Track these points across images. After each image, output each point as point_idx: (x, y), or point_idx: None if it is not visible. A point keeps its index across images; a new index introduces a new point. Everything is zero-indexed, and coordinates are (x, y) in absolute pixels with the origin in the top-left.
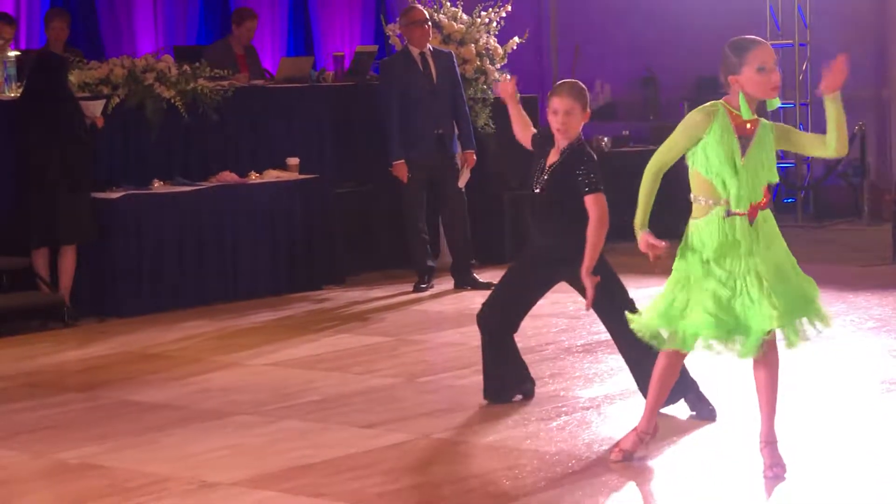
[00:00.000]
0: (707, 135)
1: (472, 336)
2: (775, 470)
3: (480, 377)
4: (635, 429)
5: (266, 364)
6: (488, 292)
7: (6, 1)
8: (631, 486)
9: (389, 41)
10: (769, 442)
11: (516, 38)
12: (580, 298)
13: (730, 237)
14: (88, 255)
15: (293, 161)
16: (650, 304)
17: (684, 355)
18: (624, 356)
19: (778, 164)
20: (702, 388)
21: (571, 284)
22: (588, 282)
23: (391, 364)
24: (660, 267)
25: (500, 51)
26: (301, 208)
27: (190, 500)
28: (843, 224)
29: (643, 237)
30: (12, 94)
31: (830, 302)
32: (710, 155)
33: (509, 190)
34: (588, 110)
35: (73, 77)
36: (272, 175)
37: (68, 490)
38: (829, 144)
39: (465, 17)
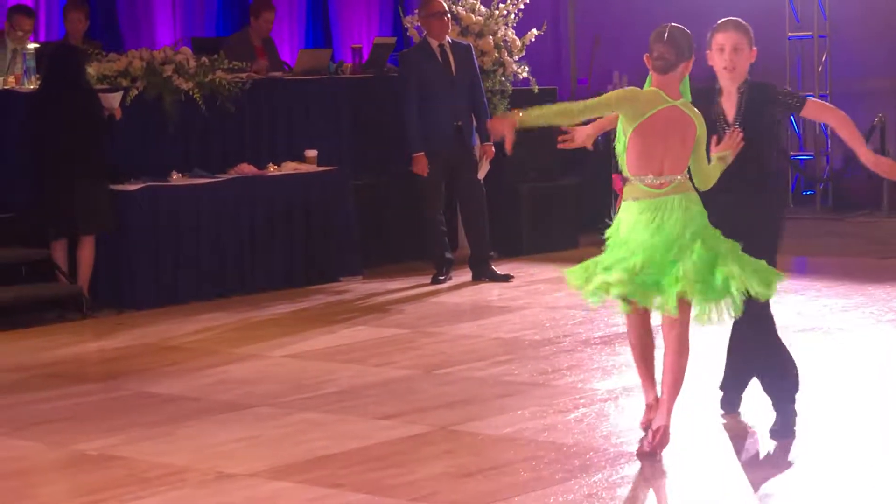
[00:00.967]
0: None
1: (489, 328)
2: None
3: (498, 369)
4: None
5: (284, 356)
6: (506, 284)
7: None
8: (649, 479)
9: (408, 33)
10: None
11: (534, 30)
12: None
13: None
14: (107, 246)
15: (311, 153)
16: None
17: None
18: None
19: (796, 156)
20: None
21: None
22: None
23: (408, 356)
24: None
25: (519, 43)
26: (319, 200)
27: (207, 491)
28: (862, 216)
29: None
30: (31, 86)
31: (849, 294)
32: None
33: (528, 182)
34: (755, 49)
35: (92, 69)
36: (290, 167)
37: (86, 480)
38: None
39: (483, 8)
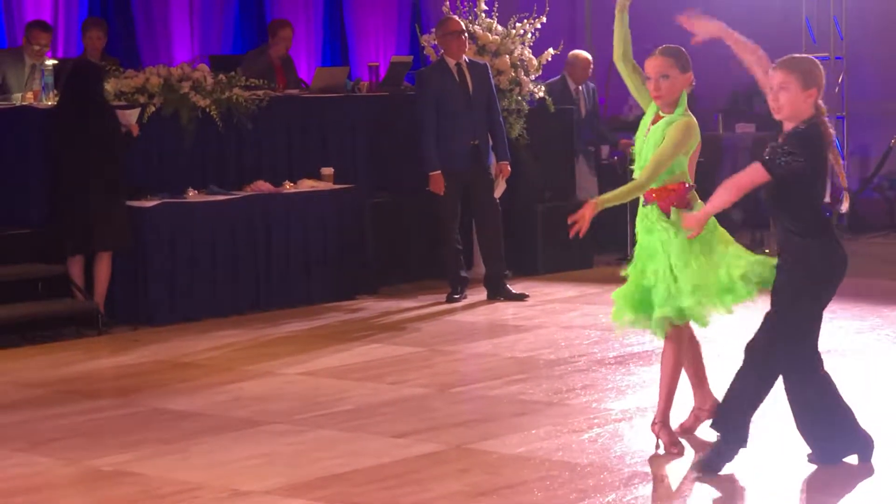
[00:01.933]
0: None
1: (504, 347)
2: (675, 448)
3: (512, 388)
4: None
5: (299, 373)
6: (521, 303)
7: (44, 9)
8: (663, 500)
9: (424, 52)
10: (664, 422)
11: (551, 50)
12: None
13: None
14: (123, 262)
15: (327, 171)
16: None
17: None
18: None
19: None
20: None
21: None
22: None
23: (423, 374)
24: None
25: (535, 62)
26: (335, 218)
27: None
28: (878, 237)
29: None
30: (49, 102)
31: (864, 316)
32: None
33: (543, 201)
34: (813, 89)
35: (110, 86)
36: (306, 185)
37: (101, 497)
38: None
39: (500, 28)
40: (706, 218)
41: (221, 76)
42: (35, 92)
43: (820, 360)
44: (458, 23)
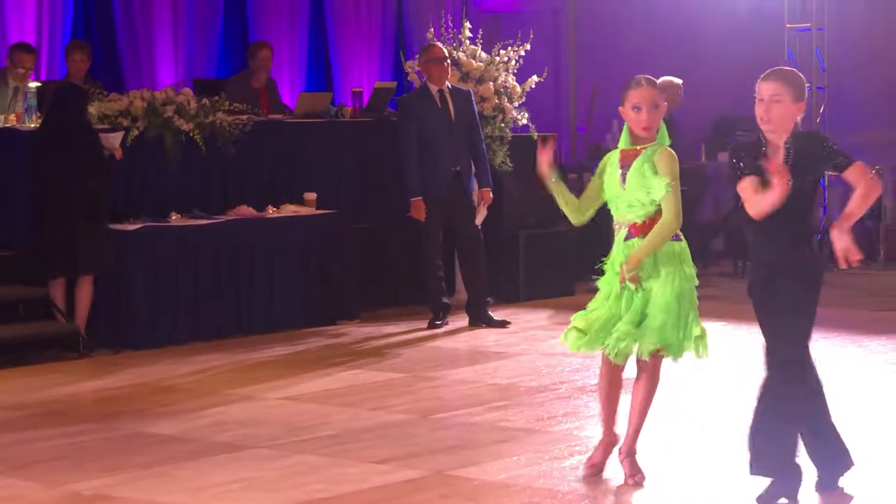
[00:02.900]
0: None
1: (486, 373)
2: (636, 478)
3: (493, 414)
4: (601, 441)
5: (280, 398)
6: (503, 330)
7: (28, 31)
8: None
9: (408, 78)
10: (629, 454)
11: (535, 77)
12: None
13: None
14: (105, 285)
15: (310, 196)
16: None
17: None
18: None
19: None
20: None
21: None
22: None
23: (405, 400)
24: None
25: (519, 89)
26: (318, 243)
27: None
28: (858, 267)
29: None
30: (32, 125)
31: (844, 345)
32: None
33: (525, 228)
34: (802, 103)
35: (93, 109)
36: (289, 210)
37: None
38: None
39: (483, 55)
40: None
41: (205, 100)
42: (18, 114)
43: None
44: (442, 49)
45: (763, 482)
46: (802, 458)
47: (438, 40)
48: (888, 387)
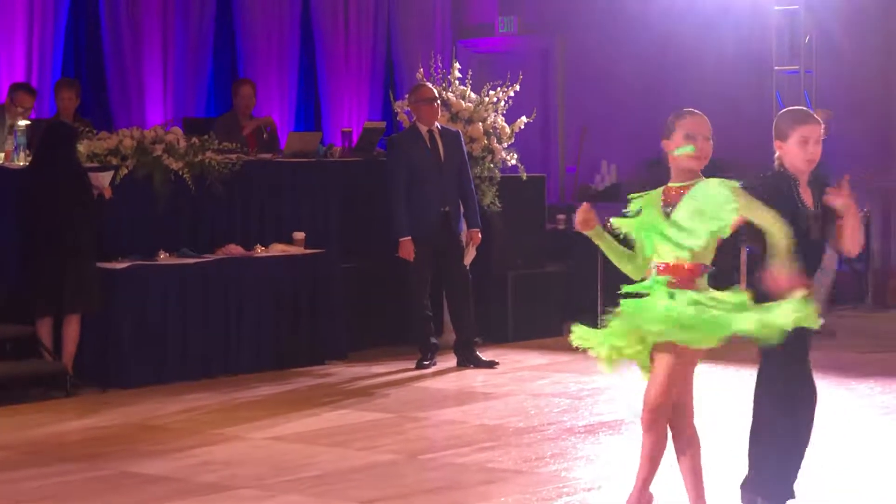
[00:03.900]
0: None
1: (474, 414)
2: None
3: (481, 455)
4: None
5: (267, 438)
6: (491, 371)
7: (18, 68)
8: None
9: (398, 118)
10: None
11: (524, 118)
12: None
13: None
14: (93, 324)
15: (299, 235)
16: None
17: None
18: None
19: None
20: None
21: None
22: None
23: (393, 440)
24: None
25: (508, 130)
26: (306, 283)
27: None
28: (846, 310)
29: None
30: (21, 163)
31: (833, 388)
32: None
33: (514, 269)
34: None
35: (83, 147)
36: (278, 249)
37: None
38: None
39: (473, 95)
40: None
41: (194, 139)
42: (7, 152)
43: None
44: (431, 90)
45: None
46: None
47: (428, 80)
48: (878, 430)
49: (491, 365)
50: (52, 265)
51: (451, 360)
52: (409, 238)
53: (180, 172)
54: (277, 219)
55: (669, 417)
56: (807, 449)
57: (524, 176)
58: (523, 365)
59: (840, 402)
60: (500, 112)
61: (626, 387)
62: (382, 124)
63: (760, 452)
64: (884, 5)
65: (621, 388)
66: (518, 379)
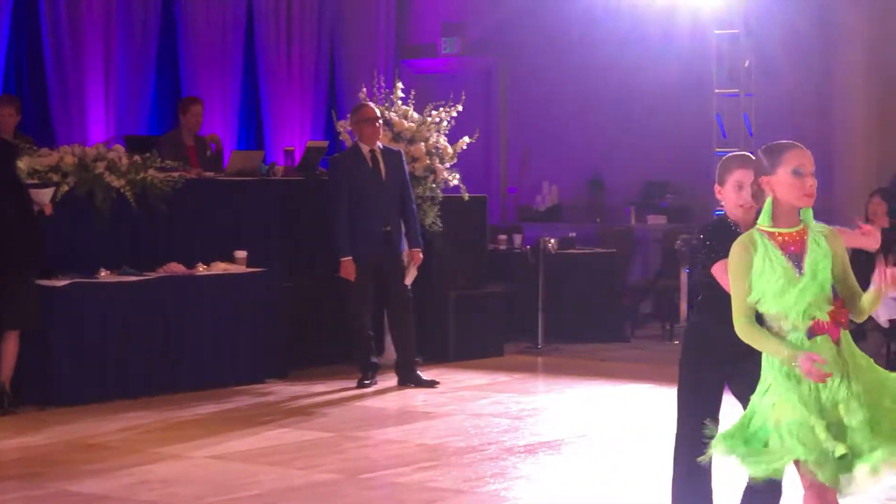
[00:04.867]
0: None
1: (414, 434)
2: None
3: (421, 475)
4: None
5: (207, 457)
6: (431, 390)
7: None
8: None
9: (340, 137)
10: None
11: (466, 138)
12: (523, 397)
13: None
14: (32, 342)
15: (241, 254)
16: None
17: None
18: None
19: None
20: None
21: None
22: None
23: (333, 460)
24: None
25: (450, 150)
26: (247, 301)
27: None
28: None
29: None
30: None
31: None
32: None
33: (455, 288)
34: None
35: (23, 164)
36: (220, 267)
37: None
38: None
39: (415, 115)
40: None
41: (136, 157)
42: None
43: None
44: (373, 109)
45: None
46: None
47: (371, 100)
48: None
49: (432, 384)
50: None
51: (391, 380)
52: (351, 258)
53: (122, 190)
54: (219, 237)
55: None
56: None
57: (466, 196)
58: (464, 384)
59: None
60: (442, 132)
61: (564, 407)
62: (325, 143)
63: None
64: (821, 29)
65: (560, 407)
66: (459, 398)
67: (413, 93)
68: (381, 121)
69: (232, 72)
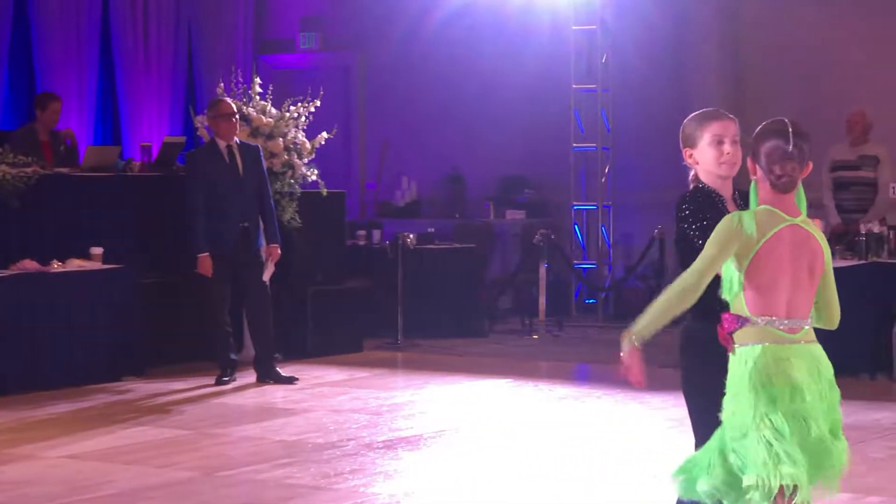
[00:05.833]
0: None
1: (273, 430)
2: None
3: (280, 471)
4: None
5: (61, 456)
6: (290, 386)
7: None
8: None
9: (198, 133)
10: None
11: (324, 134)
12: (382, 393)
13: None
14: None
15: (97, 251)
16: None
17: None
18: None
19: (579, 264)
20: None
21: None
22: None
23: (190, 457)
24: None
25: (308, 146)
26: (103, 298)
27: None
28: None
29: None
30: None
31: (626, 401)
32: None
33: (314, 284)
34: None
35: None
36: (75, 264)
37: None
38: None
39: (273, 110)
40: None
41: None
42: None
43: None
44: (230, 105)
45: None
46: None
47: (228, 95)
48: (670, 443)
49: (290, 381)
50: None
51: (250, 376)
52: (208, 254)
53: None
54: (75, 234)
55: None
56: None
57: (324, 192)
58: (323, 381)
59: (633, 415)
60: (300, 128)
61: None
62: (182, 139)
63: None
64: (676, 25)
65: (419, 403)
66: (318, 395)
67: (271, 88)
68: (237, 116)
69: (88, 66)
